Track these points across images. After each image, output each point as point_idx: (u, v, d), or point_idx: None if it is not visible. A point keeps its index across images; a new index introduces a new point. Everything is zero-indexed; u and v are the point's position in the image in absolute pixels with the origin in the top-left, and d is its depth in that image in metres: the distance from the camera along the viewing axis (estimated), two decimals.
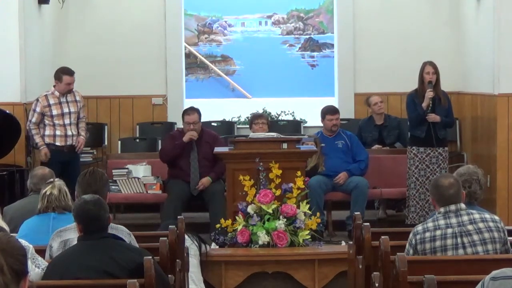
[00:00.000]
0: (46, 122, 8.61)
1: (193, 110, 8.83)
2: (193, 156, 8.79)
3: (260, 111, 11.17)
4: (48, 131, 8.63)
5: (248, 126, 10.07)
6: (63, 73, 8.68)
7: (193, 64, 11.61)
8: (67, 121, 8.65)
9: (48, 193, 5.37)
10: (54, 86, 8.67)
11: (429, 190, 5.28)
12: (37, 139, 8.60)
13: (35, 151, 8.78)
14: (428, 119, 8.63)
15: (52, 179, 5.54)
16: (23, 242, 4.22)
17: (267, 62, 11.56)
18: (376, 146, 9.69)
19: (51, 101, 8.56)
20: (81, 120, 8.88)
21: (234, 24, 11.62)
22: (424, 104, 8.62)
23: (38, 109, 8.55)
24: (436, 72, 8.70)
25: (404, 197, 8.92)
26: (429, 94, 8.62)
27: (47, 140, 8.59)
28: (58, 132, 8.63)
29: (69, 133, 8.68)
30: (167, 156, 8.82)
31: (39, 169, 6.29)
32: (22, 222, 5.44)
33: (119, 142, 10.60)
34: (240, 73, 11.64)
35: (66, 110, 8.68)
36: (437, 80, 8.71)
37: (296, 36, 11.62)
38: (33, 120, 8.56)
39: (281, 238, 7.35)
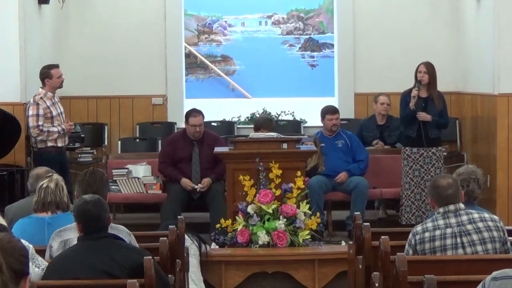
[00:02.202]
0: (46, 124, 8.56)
1: (197, 112, 8.80)
2: (194, 158, 8.79)
3: (260, 111, 11.18)
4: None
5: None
6: (50, 68, 8.62)
7: (193, 64, 11.60)
8: (62, 120, 8.63)
9: (44, 186, 5.33)
10: (41, 87, 8.56)
11: (428, 191, 5.29)
12: (55, 129, 8.46)
13: (37, 153, 8.71)
14: (419, 117, 8.63)
15: (50, 174, 5.48)
16: (24, 242, 4.22)
17: (267, 62, 11.56)
18: (376, 141, 9.67)
19: (48, 103, 8.52)
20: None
21: (234, 24, 11.62)
22: (410, 104, 8.63)
23: (41, 111, 8.43)
24: (429, 72, 8.68)
25: None
26: (413, 93, 8.63)
27: (49, 143, 8.52)
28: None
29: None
30: (162, 175, 8.94)
31: (36, 169, 6.29)
32: None
33: (119, 142, 10.60)
34: (240, 73, 11.64)
35: (59, 110, 8.65)
36: (432, 80, 8.70)
37: (296, 36, 11.62)
38: (40, 122, 8.43)
39: (281, 238, 7.35)
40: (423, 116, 8.63)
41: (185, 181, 8.65)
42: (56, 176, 5.43)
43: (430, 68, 8.71)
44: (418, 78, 8.69)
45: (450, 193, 4.84)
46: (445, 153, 10.21)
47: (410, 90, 8.77)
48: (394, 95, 10.47)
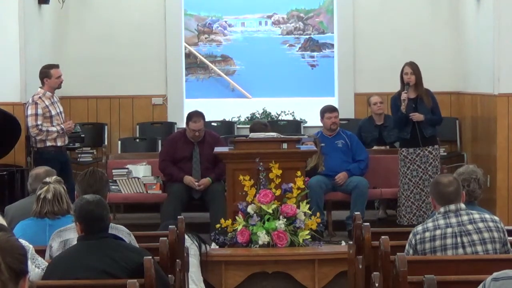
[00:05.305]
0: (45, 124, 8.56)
1: (198, 117, 8.73)
2: (195, 157, 8.79)
3: (260, 111, 11.18)
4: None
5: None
6: (50, 68, 8.62)
7: (193, 64, 11.61)
8: (61, 120, 8.64)
9: (42, 196, 5.30)
10: (41, 87, 8.56)
11: (429, 189, 5.28)
12: (53, 128, 8.48)
13: (37, 152, 8.70)
14: (413, 118, 8.63)
15: (48, 180, 5.43)
16: (23, 242, 4.22)
17: (267, 62, 11.56)
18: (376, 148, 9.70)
19: (47, 102, 8.53)
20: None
21: (234, 24, 11.62)
22: (401, 107, 8.61)
23: (40, 111, 8.44)
24: (415, 72, 8.67)
25: None
26: (403, 96, 8.62)
27: (49, 143, 8.53)
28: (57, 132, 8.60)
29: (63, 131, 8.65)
30: (163, 174, 8.91)
31: (36, 169, 6.26)
32: None
33: (119, 142, 10.60)
34: (240, 73, 11.64)
35: (59, 110, 8.66)
36: (418, 79, 8.69)
37: (296, 36, 11.62)
38: (39, 122, 8.45)
39: (281, 238, 7.35)
40: (416, 116, 8.63)
41: (189, 178, 8.64)
42: (53, 184, 5.35)
43: (415, 68, 8.70)
44: (405, 80, 8.69)
45: (451, 191, 4.83)
46: (444, 153, 10.23)
47: (398, 94, 8.77)
48: None
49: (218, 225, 7.53)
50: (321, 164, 8.92)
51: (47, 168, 6.12)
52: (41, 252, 4.75)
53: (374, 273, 4.94)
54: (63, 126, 8.57)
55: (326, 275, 7.18)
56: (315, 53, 11.61)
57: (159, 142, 10.43)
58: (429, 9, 10.92)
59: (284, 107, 11.25)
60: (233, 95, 11.63)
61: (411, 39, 10.85)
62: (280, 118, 11.17)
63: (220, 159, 8.04)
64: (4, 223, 5.05)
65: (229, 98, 11.60)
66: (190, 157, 8.79)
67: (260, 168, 7.50)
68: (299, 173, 7.54)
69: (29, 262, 4.32)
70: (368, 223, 5.61)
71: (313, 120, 10.43)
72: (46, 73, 8.58)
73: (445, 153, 10.29)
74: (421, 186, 8.64)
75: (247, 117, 11.17)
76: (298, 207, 7.48)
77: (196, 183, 8.63)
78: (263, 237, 7.34)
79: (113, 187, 8.76)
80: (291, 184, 7.50)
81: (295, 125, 11.01)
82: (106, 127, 10.78)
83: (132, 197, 9.11)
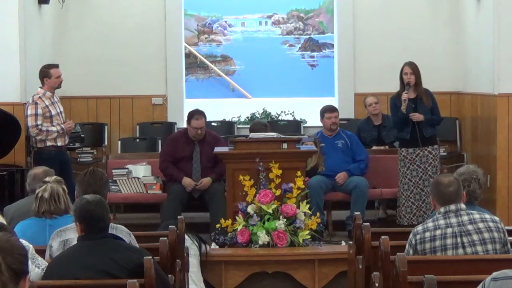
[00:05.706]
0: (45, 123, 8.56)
1: (200, 115, 8.75)
2: (195, 157, 8.79)
3: (260, 111, 11.18)
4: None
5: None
6: (50, 68, 8.64)
7: (193, 64, 11.61)
8: (61, 120, 8.64)
9: (39, 195, 5.31)
10: (41, 87, 8.58)
11: (430, 189, 5.28)
12: (53, 128, 8.49)
13: (37, 152, 8.71)
14: (412, 118, 8.63)
15: (47, 179, 5.43)
16: (23, 242, 4.21)
17: (267, 62, 11.56)
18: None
19: (47, 102, 8.53)
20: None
21: (234, 24, 11.62)
22: (402, 107, 8.61)
23: (40, 111, 8.45)
24: (415, 72, 8.67)
25: None
26: (404, 96, 8.61)
27: (49, 143, 8.53)
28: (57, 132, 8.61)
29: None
30: (164, 174, 8.92)
31: (34, 169, 6.27)
32: None
33: (119, 142, 10.60)
34: (240, 73, 11.64)
35: (59, 109, 8.66)
36: (418, 79, 8.69)
37: (296, 36, 11.62)
38: (39, 122, 8.45)
39: (281, 238, 7.35)
40: (416, 117, 8.63)
41: (187, 181, 8.65)
42: (51, 184, 5.35)
43: (414, 68, 8.71)
44: (405, 81, 8.68)
45: (451, 191, 4.83)
46: (444, 153, 10.23)
47: (397, 94, 8.77)
48: None
49: (218, 225, 7.53)
50: (321, 164, 8.92)
51: (46, 168, 6.12)
52: (41, 252, 4.75)
53: (374, 273, 4.95)
54: (63, 126, 8.57)
55: (326, 275, 7.18)
56: (315, 53, 11.61)
57: (159, 142, 10.44)
58: (429, 9, 10.92)
59: (284, 107, 11.24)
60: (233, 95, 11.63)
61: (411, 39, 10.85)
62: (280, 118, 11.17)
63: (220, 159, 8.04)
64: (4, 223, 5.06)
65: (229, 98, 11.60)
66: (191, 157, 8.80)
67: (260, 168, 7.50)
68: (299, 173, 7.54)
69: (29, 262, 4.32)
70: (368, 223, 5.62)
71: (313, 120, 10.43)
72: (46, 73, 8.59)
73: (445, 153, 10.29)
74: (421, 186, 8.64)
75: (247, 117, 11.17)
76: (298, 207, 7.48)
77: (194, 183, 8.62)
78: (263, 237, 7.34)
79: (113, 187, 8.76)
80: (291, 184, 7.50)
81: (295, 125, 11.01)
82: (106, 127, 10.78)
83: (132, 197, 9.11)
